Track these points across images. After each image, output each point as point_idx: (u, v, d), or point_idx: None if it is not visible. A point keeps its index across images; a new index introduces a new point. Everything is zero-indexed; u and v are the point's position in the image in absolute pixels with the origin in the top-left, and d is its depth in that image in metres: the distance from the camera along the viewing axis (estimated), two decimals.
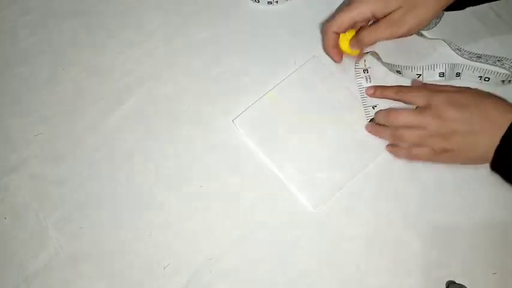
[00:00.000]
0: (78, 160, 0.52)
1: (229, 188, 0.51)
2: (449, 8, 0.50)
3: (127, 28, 0.58)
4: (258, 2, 0.59)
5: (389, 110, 0.50)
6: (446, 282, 0.46)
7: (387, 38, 0.50)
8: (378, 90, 0.52)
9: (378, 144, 0.52)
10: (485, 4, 0.57)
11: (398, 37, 0.50)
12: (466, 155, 0.47)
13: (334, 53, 0.53)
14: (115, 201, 0.50)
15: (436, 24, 0.57)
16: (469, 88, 0.49)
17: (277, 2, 0.59)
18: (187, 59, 0.57)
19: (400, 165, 0.50)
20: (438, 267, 0.47)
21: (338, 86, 0.54)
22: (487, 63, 0.53)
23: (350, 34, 0.52)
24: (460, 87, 0.50)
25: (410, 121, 0.48)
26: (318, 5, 0.59)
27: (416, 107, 0.49)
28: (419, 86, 0.51)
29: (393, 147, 0.50)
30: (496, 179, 0.50)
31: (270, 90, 0.54)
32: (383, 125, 0.50)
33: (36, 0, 0.60)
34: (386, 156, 0.51)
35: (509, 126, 0.43)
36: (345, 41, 0.52)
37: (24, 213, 0.50)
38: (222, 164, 0.52)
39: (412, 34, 0.50)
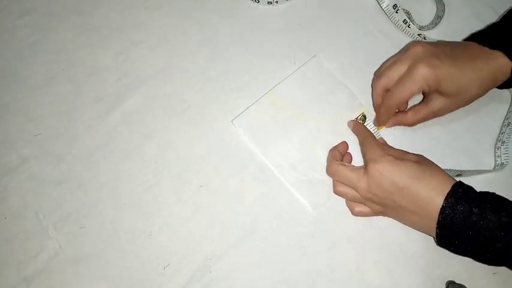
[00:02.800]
0: (77, 160, 0.52)
1: (229, 188, 0.51)
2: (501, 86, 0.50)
3: (126, 28, 0.58)
4: (258, 2, 0.59)
5: (330, 164, 0.48)
6: (447, 282, 0.46)
7: (425, 120, 0.51)
8: (358, 127, 0.51)
9: None
10: (485, 4, 0.57)
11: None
12: (400, 221, 0.47)
13: (380, 114, 0.51)
14: (115, 201, 0.50)
15: (436, 25, 0.57)
16: (413, 158, 0.45)
17: (277, 2, 0.59)
18: (186, 59, 0.57)
19: None
20: (438, 267, 0.47)
21: (338, 86, 0.54)
22: None
23: None
24: (408, 153, 0.47)
25: (345, 180, 0.47)
26: (317, 5, 0.59)
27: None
28: (377, 144, 0.47)
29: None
30: (495, 180, 0.50)
31: (269, 90, 0.54)
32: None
33: (36, 0, 0.60)
34: None
35: (439, 214, 0.42)
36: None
37: (24, 214, 0.50)
38: (221, 164, 0.52)
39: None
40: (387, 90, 0.49)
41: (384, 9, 0.57)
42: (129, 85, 0.55)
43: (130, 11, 0.59)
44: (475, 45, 0.48)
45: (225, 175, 0.51)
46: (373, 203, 0.46)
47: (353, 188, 0.47)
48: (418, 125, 0.52)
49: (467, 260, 0.45)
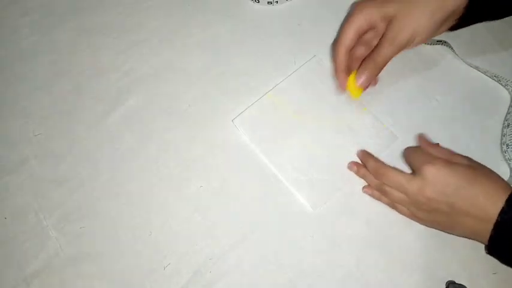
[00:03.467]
0: (78, 160, 0.52)
1: (229, 188, 0.51)
2: (454, 27, 0.49)
3: (127, 28, 0.58)
4: (258, 2, 0.59)
5: (379, 166, 0.48)
6: (446, 282, 0.46)
7: (391, 55, 0.48)
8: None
9: (378, 145, 0.52)
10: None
11: (402, 49, 0.48)
12: (453, 229, 0.46)
13: (342, 77, 0.50)
14: (115, 201, 0.50)
15: None
16: (463, 160, 0.46)
17: (277, 2, 0.59)
18: (187, 59, 0.57)
19: (400, 166, 0.50)
20: (438, 267, 0.47)
21: (338, 86, 0.54)
22: None
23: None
24: (456, 154, 0.47)
25: (396, 184, 0.46)
26: (317, 5, 0.59)
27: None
28: (418, 148, 0.48)
29: (373, 191, 0.49)
30: None
31: (269, 90, 0.54)
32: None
33: (36, 1, 0.60)
34: (386, 156, 0.51)
35: (499, 215, 0.41)
36: (351, 82, 0.50)
37: (24, 213, 0.50)
38: (221, 164, 0.52)
39: (415, 45, 0.48)
40: (347, 56, 0.49)
41: None
42: (129, 85, 0.55)
43: (131, 11, 0.59)
44: None
45: (225, 175, 0.51)
46: (420, 210, 0.45)
47: (402, 192, 0.46)
48: (417, 125, 0.52)
49: (467, 260, 0.46)
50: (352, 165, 0.51)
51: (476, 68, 0.55)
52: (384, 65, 0.49)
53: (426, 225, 0.47)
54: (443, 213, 0.44)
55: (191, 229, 0.49)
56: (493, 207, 0.41)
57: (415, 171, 0.46)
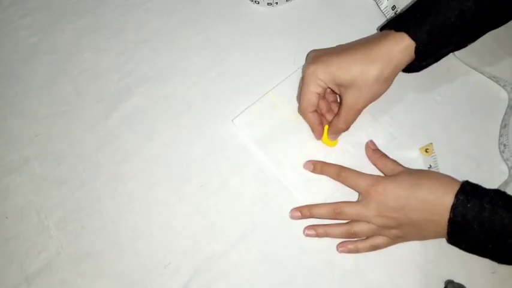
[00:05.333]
0: (79, 160, 0.52)
1: (229, 187, 0.51)
2: (407, 70, 0.50)
3: (127, 29, 0.59)
4: (258, 3, 0.59)
5: (334, 207, 0.48)
6: (445, 282, 0.46)
7: (352, 120, 0.49)
8: (318, 165, 0.51)
9: (377, 145, 0.52)
10: None
11: (361, 111, 0.49)
12: (419, 237, 0.47)
13: (318, 131, 0.51)
14: (116, 201, 0.51)
15: None
16: (405, 171, 0.48)
17: (276, 3, 0.59)
18: (187, 60, 0.57)
19: None
20: (437, 266, 0.47)
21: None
22: None
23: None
24: (395, 164, 0.49)
25: (357, 215, 0.47)
26: (317, 6, 0.59)
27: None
28: (359, 172, 0.48)
29: (349, 245, 0.48)
30: (496, 177, 0.50)
31: (269, 91, 0.55)
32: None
33: (37, 1, 0.60)
34: None
35: (450, 212, 0.42)
36: (325, 136, 0.52)
37: (26, 213, 0.50)
38: (222, 163, 0.52)
39: (375, 100, 0.49)
40: (316, 112, 0.50)
41: (383, 11, 0.57)
42: (130, 86, 0.56)
43: (132, 12, 0.59)
44: (378, 33, 0.49)
45: (225, 175, 0.51)
46: (390, 229, 0.46)
47: (366, 222, 0.46)
48: (417, 126, 0.53)
49: (466, 259, 0.46)
50: (310, 229, 0.49)
51: (475, 68, 0.56)
52: (349, 127, 0.50)
53: (410, 240, 0.47)
54: (408, 226, 0.45)
55: (191, 228, 0.49)
56: (443, 205, 0.43)
57: (364, 196, 0.47)
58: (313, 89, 0.48)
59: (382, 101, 0.54)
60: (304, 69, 0.49)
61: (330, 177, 0.50)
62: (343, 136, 0.52)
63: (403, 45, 0.46)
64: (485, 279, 0.47)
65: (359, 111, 0.49)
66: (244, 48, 0.57)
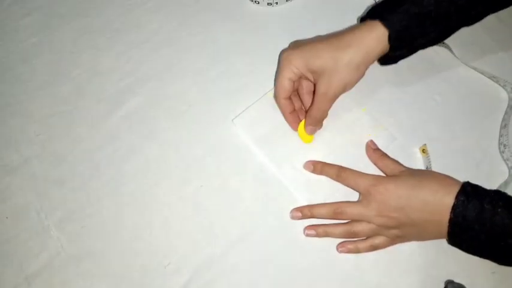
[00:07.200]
0: (79, 160, 0.52)
1: (229, 187, 0.51)
2: (384, 62, 0.50)
3: (128, 29, 0.59)
4: (258, 3, 0.59)
5: (335, 207, 0.48)
6: (445, 282, 0.46)
7: (326, 108, 0.49)
8: (318, 165, 0.51)
9: (377, 145, 0.52)
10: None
11: (335, 100, 0.49)
12: (419, 237, 0.47)
13: (292, 119, 0.51)
14: (116, 201, 0.51)
15: None
16: (406, 171, 0.48)
17: (276, 3, 0.59)
18: (187, 60, 0.57)
19: None
20: (437, 266, 0.47)
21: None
22: None
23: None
24: (398, 165, 0.49)
25: (357, 215, 0.47)
26: (317, 6, 0.59)
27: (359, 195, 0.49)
28: (359, 172, 0.48)
29: (349, 245, 0.48)
30: (496, 177, 0.50)
31: (269, 91, 0.55)
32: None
33: (37, 1, 0.60)
34: None
35: (451, 212, 0.42)
36: (301, 130, 0.52)
37: (26, 213, 0.50)
38: (222, 163, 0.52)
39: (346, 91, 0.49)
40: (289, 100, 0.51)
41: None
42: (130, 86, 0.56)
43: (132, 13, 0.59)
44: (354, 25, 0.49)
45: (225, 175, 0.51)
46: (390, 229, 0.46)
47: (367, 221, 0.46)
48: (416, 126, 0.53)
49: (466, 260, 0.46)
50: (310, 229, 0.48)
51: (475, 68, 0.56)
52: (324, 116, 0.50)
53: (409, 241, 0.47)
54: (409, 226, 0.45)
55: (191, 228, 0.49)
56: (443, 206, 0.43)
57: (364, 196, 0.47)
58: (287, 75, 0.49)
59: (382, 100, 0.54)
60: (280, 55, 0.50)
61: (329, 177, 0.50)
62: (343, 136, 0.52)
63: (375, 33, 0.46)
64: (485, 279, 0.47)
65: (332, 99, 0.49)
66: (244, 48, 0.57)
